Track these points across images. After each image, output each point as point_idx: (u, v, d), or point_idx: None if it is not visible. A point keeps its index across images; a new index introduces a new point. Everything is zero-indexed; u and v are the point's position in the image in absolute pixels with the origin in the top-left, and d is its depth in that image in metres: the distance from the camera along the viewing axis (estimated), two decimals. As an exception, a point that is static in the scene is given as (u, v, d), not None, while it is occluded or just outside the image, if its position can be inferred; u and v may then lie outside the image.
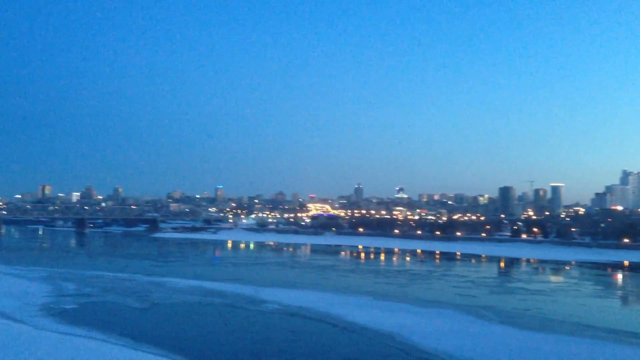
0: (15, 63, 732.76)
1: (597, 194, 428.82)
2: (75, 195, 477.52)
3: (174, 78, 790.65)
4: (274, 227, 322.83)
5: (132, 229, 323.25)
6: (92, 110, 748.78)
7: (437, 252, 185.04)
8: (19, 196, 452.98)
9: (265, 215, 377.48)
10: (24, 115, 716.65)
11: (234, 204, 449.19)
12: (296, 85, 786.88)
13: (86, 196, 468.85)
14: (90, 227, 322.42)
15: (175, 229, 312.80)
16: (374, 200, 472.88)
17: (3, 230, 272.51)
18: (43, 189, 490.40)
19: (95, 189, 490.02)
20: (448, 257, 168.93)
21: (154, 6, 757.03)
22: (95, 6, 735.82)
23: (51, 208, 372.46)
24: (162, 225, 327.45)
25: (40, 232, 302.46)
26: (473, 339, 51.39)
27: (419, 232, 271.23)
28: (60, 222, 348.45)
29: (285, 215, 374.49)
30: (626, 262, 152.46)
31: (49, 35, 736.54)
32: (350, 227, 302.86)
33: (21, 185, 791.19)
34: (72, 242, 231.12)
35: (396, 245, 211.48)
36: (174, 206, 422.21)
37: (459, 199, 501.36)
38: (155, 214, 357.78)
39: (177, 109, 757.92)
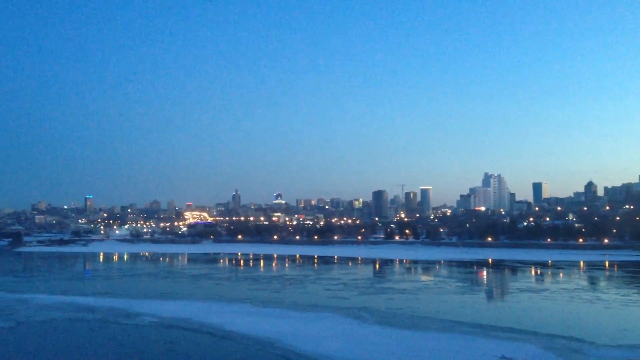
0: None
1: (462, 196, 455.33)
2: None
3: (36, 79, 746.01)
4: (149, 237, 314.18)
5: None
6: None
7: (315, 256, 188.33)
8: None
9: (139, 225, 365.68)
10: None
11: (105, 215, 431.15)
12: (170, 89, 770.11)
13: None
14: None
15: (41, 242, 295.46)
16: (252, 207, 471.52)
17: None
18: None
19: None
20: (326, 260, 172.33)
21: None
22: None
23: None
24: (27, 238, 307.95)
25: None
26: (353, 340, 52.76)
27: (297, 237, 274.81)
28: None
29: (161, 225, 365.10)
30: (490, 260, 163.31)
31: None
32: (229, 234, 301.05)
33: None
34: None
35: (275, 251, 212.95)
36: (39, 218, 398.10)
37: (335, 203, 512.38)
38: (19, 227, 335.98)
39: (39, 112, 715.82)
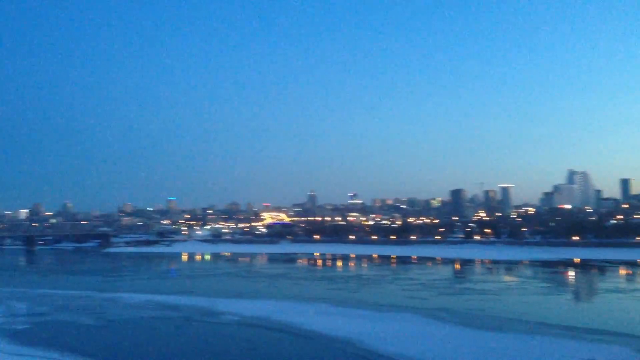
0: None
1: (545, 194, 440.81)
2: (23, 212, 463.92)
3: (120, 90, 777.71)
4: (229, 237, 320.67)
5: (84, 244, 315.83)
6: (35, 125, 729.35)
7: (393, 256, 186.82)
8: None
9: (219, 225, 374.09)
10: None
11: (187, 216, 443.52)
12: (248, 93, 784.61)
13: (34, 213, 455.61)
14: (40, 244, 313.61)
15: (128, 243, 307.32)
16: (328, 207, 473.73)
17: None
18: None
19: (43, 205, 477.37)
20: (403, 260, 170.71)
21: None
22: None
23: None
24: (114, 239, 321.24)
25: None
26: (434, 342, 51.96)
27: (374, 237, 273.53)
28: (8, 241, 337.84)
29: (240, 225, 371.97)
30: (576, 260, 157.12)
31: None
32: (306, 234, 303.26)
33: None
34: (22, 260, 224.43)
35: (352, 251, 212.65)
36: (125, 220, 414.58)
37: (411, 203, 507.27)
38: (107, 229, 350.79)
39: (125, 120, 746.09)
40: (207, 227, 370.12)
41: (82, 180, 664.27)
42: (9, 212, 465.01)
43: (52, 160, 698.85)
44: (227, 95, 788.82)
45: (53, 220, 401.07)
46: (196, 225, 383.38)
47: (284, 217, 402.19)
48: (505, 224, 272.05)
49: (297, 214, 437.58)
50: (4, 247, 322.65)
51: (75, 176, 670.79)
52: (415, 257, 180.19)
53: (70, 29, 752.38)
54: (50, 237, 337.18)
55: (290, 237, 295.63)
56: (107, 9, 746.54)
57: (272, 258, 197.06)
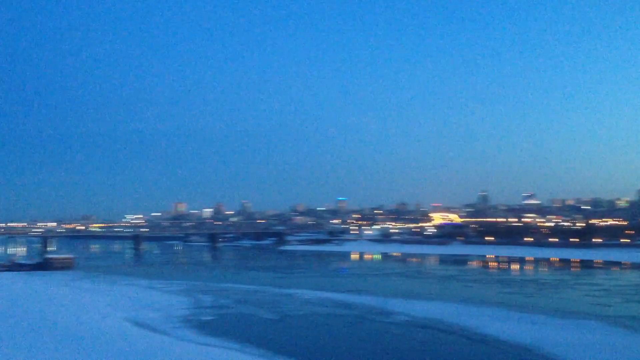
0: (151, 87, 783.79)
1: None
2: (207, 212, 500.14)
3: (293, 94, 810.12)
4: (398, 237, 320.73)
5: (261, 242, 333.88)
6: (219, 131, 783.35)
7: (574, 260, 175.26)
8: (157, 214, 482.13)
9: (388, 225, 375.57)
10: (159, 138, 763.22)
11: (356, 216, 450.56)
12: (418, 92, 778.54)
13: (217, 212, 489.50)
14: (222, 241, 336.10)
15: (300, 241, 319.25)
16: (502, 208, 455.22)
17: (144, 247, 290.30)
18: (177, 207, 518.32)
19: (224, 204, 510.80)
20: (585, 265, 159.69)
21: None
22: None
23: (185, 224, 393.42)
24: (288, 237, 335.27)
25: (177, 248, 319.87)
26: (622, 353, 47.76)
27: (552, 239, 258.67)
28: (195, 238, 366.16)
29: (409, 226, 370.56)
30: None
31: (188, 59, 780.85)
32: (478, 236, 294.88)
33: (158, 203, 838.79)
34: (206, 256, 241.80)
35: (528, 253, 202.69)
36: (298, 219, 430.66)
37: (595, 203, 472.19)
38: (281, 227, 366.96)
39: (297, 123, 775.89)
40: (376, 227, 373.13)
41: (259, 182, 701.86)
42: (195, 212, 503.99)
43: (233, 163, 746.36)
44: (396, 94, 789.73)
45: (233, 219, 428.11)
46: (365, 225, 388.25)
47: (455, 218, 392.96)
48: None
49: (468, 215, 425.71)
50: (191, 243, 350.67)
51: (253, 177, 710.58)
52: (598, 261, 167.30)
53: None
54: (231, 235, 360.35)
55: (461, 238, 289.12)
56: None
57: (443, 259, 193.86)
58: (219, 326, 65.05)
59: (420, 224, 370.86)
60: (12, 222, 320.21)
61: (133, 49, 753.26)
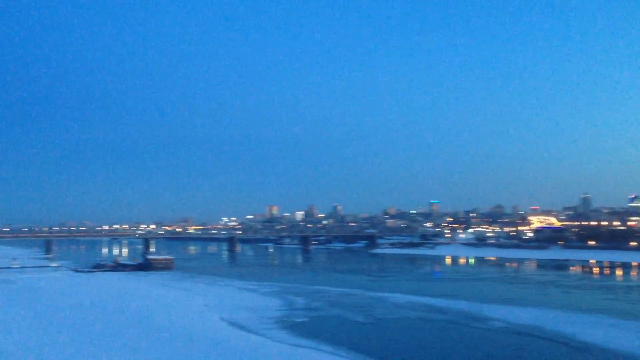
0: (245, 96, 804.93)
1: None
2: (299, 215, 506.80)
3: (386, 98, 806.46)
4: (493, 241, 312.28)
5: (352, 245, 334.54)
6: (311, 136, 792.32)
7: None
8: (250, 217, 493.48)
9: (483, 229, 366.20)
10: (252, 144, 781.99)
11: (449, 219, 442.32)
12: (516, 91, 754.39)
13: (309, 215, 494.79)
14: (314, 244, 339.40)
15: (392, 245, 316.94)
16: (605, 211, 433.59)
17: (238, 249, 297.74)
18: (270, 210, 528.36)
19: (316, 207, 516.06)
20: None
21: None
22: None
23: (278, 227, 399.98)
24: (380, 241, 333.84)
25: (270, 250, 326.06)
26: None
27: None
28: (287, 240, 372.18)
29: (505, 229, 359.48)
30: None
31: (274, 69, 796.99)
32: (579, 240, 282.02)
33: (251, 207, 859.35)
34: (298, 258, 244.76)
35: (633, 258, 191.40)
36: (389, 222, 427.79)
37: None
38: (373, 231, 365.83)
39: (389, 126, 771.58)
40: (470, 230, 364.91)
41: (350, 185, 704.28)
42: (288, 215, 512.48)
43: (325, 166, 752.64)
44: (493, 95, 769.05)
45: (325, 222, 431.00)
46: (459, 229, 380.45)
47: (554, 221, 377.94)
48: None
49: (568, 218, 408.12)
50: (283, 245, 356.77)
51: (344, 181, 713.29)
52: None
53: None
54: (322, 238, 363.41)
55: (561, 242, 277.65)
56: None
57: (541, 264, 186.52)
58: (311, 328, 65.39)
59: (517, 228, 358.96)
60: (116, 224, 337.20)
61: (233, 61, 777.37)
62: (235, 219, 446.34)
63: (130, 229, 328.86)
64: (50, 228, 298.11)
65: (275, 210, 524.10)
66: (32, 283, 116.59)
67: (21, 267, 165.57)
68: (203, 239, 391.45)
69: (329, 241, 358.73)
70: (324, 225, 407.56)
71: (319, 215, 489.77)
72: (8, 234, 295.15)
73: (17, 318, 67.41)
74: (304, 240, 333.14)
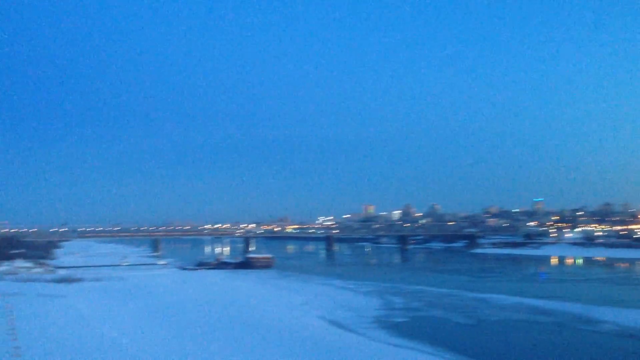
0: (344, 97, 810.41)
1: None
2: (396, 213, 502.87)
3: (486, 92, 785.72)
4: (602, 241, 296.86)
5: (451, 244, 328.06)
6: (406, 134, 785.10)
7: None
8: (347, 216, 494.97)
9: (591, 228, 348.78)
10: (348, 144, 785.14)
11: (554, 217, 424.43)
12: (625, 81, 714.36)
13: (405, 214, 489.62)
14: (412, 243, 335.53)
15: (494, 244, 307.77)
16: None
17: (335, 248, 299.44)
18: (367, 209, 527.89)
19: (413, 206, 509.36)
20: None
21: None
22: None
23: (375, 226, 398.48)
24: (481, 240, 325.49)
25: (367, 249, 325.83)
26: None
27: None
28: (384, 239, 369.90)
29: (615, 228, 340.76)
30: None
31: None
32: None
33: (348, 206, 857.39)
34: (396, 258, 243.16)
35: None
36: (491, 221, 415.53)
37: None
38: (473, 230, 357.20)
39: (489, 122, 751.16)
40: (578, 229, 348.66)
41: (448, 183, 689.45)
42: (384, 213, 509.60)
43: (422, 164, 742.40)
44: (601, 86, 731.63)
45: (422, 221, 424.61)
46: (565, 228, 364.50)
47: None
48: None
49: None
50: (380, 245, 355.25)
51: (442, 179, 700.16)
52: None
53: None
54: (420, 237, 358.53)
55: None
56: None
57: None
58: (411, 328, 64.64)
59: (628, 226, 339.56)
60: (218, 223, 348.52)
61: (338, 62, 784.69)
62: (331, 218, 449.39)
63: (231, 227, 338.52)
64: (157, 227, 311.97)
65: (371, 209, 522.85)
66: (142, 280, 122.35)
67: (131, 265, 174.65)
68: (300, 238, 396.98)
69: (427, 240, 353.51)
70: (422, 224, 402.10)
71: (417, 214, 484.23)
72: (118, 232, 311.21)
73: (130, 314, 70.84)
74: (402, 240, 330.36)
